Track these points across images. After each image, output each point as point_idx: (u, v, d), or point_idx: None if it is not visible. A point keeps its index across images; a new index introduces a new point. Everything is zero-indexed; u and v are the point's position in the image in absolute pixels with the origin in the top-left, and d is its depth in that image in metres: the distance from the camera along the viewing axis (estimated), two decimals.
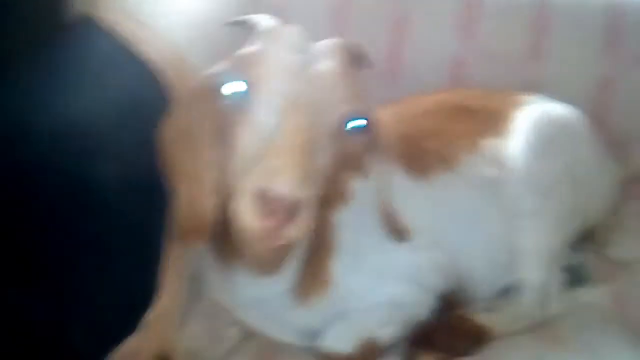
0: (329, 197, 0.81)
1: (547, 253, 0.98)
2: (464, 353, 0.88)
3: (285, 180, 0.61)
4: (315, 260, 0.84)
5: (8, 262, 0.65)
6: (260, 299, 0.85)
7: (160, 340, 0.76)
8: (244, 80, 0.69)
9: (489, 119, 1.05)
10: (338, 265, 0.86)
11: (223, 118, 0.69)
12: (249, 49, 0.71)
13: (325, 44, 0.74)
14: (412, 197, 0.93)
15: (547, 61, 1.26)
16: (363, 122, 0.70)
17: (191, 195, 0.72)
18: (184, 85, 0.79)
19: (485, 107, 1.07)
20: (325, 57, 0.72)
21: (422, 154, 0.98)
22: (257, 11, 0.83)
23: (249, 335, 0.91)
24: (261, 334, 0.90)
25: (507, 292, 0.99)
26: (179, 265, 0.81)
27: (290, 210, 0.61)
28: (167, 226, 0.74)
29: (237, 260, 0.80)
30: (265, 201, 0.61)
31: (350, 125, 0.70)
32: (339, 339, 0.86)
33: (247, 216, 0.62)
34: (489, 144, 1.01)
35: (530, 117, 1.02)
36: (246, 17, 0.76)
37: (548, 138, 0.99)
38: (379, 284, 0.89)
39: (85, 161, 0.66)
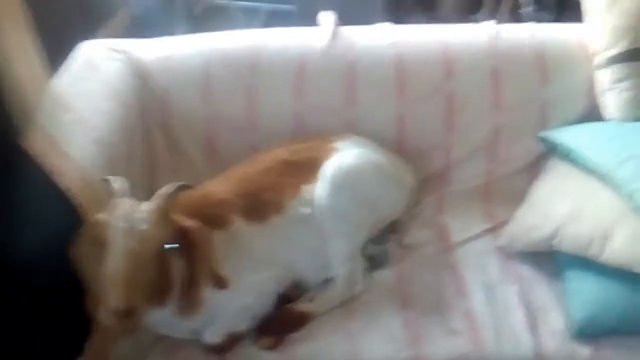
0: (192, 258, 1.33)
1: (346, 255, 1.52)
2: (290, 332, 1.44)
3: (115, 303, 1.14)
4: (190, 294, 1.34)
5: None
6: (157, 320, 1.37)
7: (100, 355, 1.31)
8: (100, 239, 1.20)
9: (307, 170, 1.56)
10: (207, 292, 1.36)
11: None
12: (103, 216, 1.22)
13: (144, 207, 1.23)
14: (255, 237, 1.48)
15: (359, 107, 1.76)
16: (175, 245, 1.25)
17: (93, 290, 1.25)
18: (91, 208, 1.29)
19: (306, 159, 1.58)
20: (145, 218, 1.21)
21: (260, 205, 1.50)
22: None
23: (159, 336, 1.44)
24: (167, 335, 1.44)
25: (328, 282, 1.54)
26: None
27: (122, 316, 1.14)
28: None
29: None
30: (109, 311, 1.14)
31: (167, 247, 1.24)
32: (212, 335, 1.41)
33: (103, 317, 1.16)
34: (305, 189, 1.54)
35: (330, 167, 1.54)
36: (108, 178, 1.29)
37: (337, 184, 1.52)
38: (235, 298, 1.41)
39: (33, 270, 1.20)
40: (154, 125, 1.76)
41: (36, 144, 1.38)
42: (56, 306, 1.23)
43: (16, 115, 1.45)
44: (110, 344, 1.35)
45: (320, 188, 1.54)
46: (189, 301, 1.36)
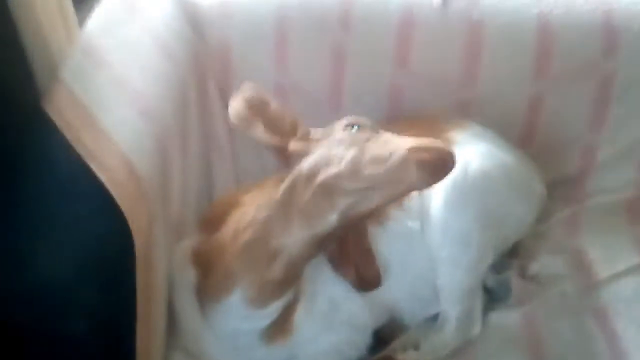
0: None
1: (464, 289, 1.27)
2: None
3: None
4: (286, 311, 1.14)
5: None
6: (238, 331, 1.15)
7: None
8: None
9: None
10: (299, 313, 1.16)
11: None
12: None
13: None
14: None
15: (480, 83, 1.50)
16: None
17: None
18: (138, 213, 1.01)
19: None
20: None
21: None
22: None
23: None
24: None
25: (435, 319, 1.29)
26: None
27: None
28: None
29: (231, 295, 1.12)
30: None
31: None
32: None
33: None
34: (413, 197, 1.28)
35: None
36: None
37: (462, 194, 1.25)
38: (325, 330, 1.19)
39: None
40: (211, 90, 1.51)
41: (62, 110, 1.07)
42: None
43: (39, 69, 1.13)
44: None
45: (436, 197, 1.27)
46: (282, 323, 1.16)
